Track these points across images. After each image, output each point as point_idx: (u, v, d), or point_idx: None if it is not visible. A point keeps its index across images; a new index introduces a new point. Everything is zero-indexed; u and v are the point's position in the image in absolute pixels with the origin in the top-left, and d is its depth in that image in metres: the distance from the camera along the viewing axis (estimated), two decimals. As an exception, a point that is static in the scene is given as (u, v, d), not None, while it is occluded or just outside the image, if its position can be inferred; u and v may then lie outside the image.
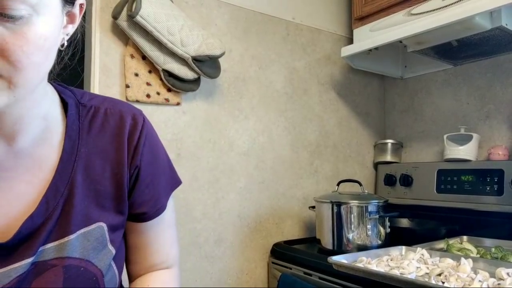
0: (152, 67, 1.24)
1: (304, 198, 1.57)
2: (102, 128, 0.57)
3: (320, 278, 1.15)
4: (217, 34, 1.37)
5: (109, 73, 1.19)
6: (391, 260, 1.00)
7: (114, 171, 0.57)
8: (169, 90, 1.26)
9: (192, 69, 1.24)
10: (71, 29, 0.51)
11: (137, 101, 1.22)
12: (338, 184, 1.41)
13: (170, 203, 0.66)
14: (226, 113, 1.40)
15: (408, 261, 0.95)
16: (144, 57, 1.22)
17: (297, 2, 1.62)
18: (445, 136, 1.52)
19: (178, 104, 1.29)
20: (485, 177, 1.38)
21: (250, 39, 1.47)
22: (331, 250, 1.28)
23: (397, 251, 1.09)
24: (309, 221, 1.57)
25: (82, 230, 0.53)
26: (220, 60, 1.30)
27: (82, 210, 0.53)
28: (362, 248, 1.23)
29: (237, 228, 1.39)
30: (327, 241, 1.30)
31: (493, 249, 1.09)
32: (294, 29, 1.60)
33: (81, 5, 0.52)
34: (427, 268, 0.92)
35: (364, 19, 1.53)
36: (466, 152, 1.45)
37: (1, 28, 0.40)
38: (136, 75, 1.21)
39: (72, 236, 0.51)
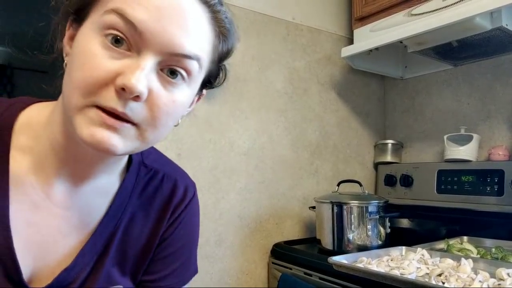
0: (152, 67, 1.23)
1: (304, 198, 1.57)
2: (154, 194, 0.57)
3: (320, 278, 1.15)
4: (217, 34, 1.37)
5: (109, 73, 1.19)
6: (392, 260, 1.00)
7: (148, 238, 0.56)
8: (169, 90, 1.26)
9: (192, 69, 1.24)
10: (190, 109, 0.53)
11: (137, 101, 1.22)
12: (338, 185, 1.41)
13: None
14: (226, 113, 1.40)
15: (408, 262, 0.95)
16: (144, 57, 1.22)
17: (297, 2, 1.62)
18: (445, 137, 1.52)
19: (178, 104, 1.29)
20: (485, 178, 1.37)
21: (250, 40, 1.47)
22: (331, 250, 1.28)
23: (397, 252, 1.09)
24: (309, 221, 1.57)
25: None
26: (220, 60, 1.30)
27: (108, 270, 0.52)
28: (362, 248, 1.23)
29: (237, 228, 1.39)
30: (327, 242, 1.30)
31: (493, 250, 1.09)
32: (294, 29, 1.60)
33: (201, 95, 0.55)
34: (427, 268, 0.92)
35: (364, 19, 1.53)
36: (466, 152, 1.45)
37: (161, 85, 0.43)
38: (136, 75, 1.21)
39: None
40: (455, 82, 1.63)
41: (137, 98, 0.41)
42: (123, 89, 0.40)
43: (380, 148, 1.80)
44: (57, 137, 0.48)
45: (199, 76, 0.47)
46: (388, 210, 1.32)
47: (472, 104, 1.57)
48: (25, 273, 0.46)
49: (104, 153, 0.43)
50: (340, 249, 1.26)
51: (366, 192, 1.34)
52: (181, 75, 0.44)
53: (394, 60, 1.76)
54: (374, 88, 1.87)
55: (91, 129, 0.41)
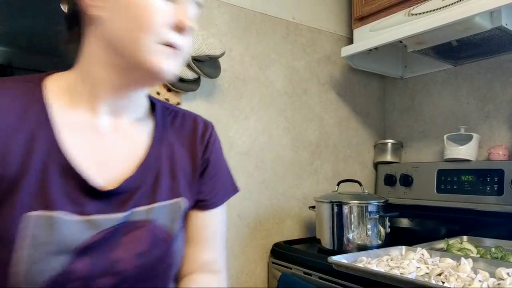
0: (152, 67, 1.23)
1: (304, 198, 1.57)
2: (181, 126, 0.69)
3: (320, 278, 1.15)
4: (217, 34, 1.37)
5: (109, 73, 1.19)
6: (391, 260, 1.00)
7: (191, 160, 0.67)
8: (169, 90, 1.26)
9: (192, 69, 1.24)
10: None
11: (137, 101, 1.22)
12: (338, 184, 1.41)
13: (224, 210, 0.72)
14: (226, 113, 1.40)
15: (408, 261, 0.95)
16: (144, 57, 1.22)
17: (297, 2, 1.62)
18: (445, 136, 1.52)
19: (178, 104, 1.29)
20: (485, 177, 1.38)
21: (250, 39, 1.47)
22: (331, 250, 1.28)
23: (397, 251, 1.09)
24: (309, 221, 1.57)
25: (166, 202, 0.61)
26: (220, 60, 1.30)
27: (167, 186, 0.62)
28: (362, 248, 1.23)
29: (237, 228, 1.39)
30: (327, 241, 1.30)
31: (493, 249, 1.09)
32: (294, 29, 1.60)
33: None
34: (427, 268, 0.92)
35: (364, 19, 1.53)
36: (466, 152, 1.45)
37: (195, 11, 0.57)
38: (136, 75, 1.21)
39: (157, 204, 0.59)
40: (455, 82, 1.63)
41: (186, 32, 0.56)
42: (179, 28, 0.55)
43: (380, 147, 1.80)
44: (95, 76, 0.58)
45: None
46: (388, 209, 1.32)
47: (472, 103, 1.57)
48: (93, 183, 0.55)
49: (166, 78, 0.56)
50: (340, 248, 1.26)
51: (366, 191, 1.34)
52: (202, 4, 0.60)
53: (394, 60, 1.76)
54: (374, 88, 1.87)
55: (164, 61, 0.54)
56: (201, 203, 0.68)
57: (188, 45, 0.57)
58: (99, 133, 0.59)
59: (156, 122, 0.66)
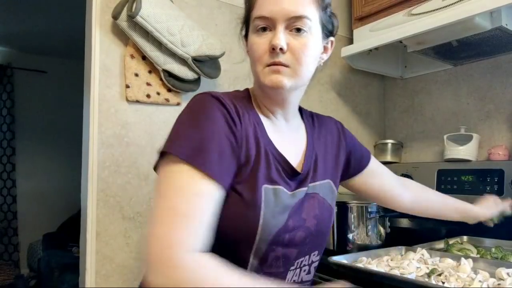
0: (152, 67, 1.24)
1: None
2: (320, 125, 0.89)
3: (320, 278, 1.15)
4: (217, 34, 1.37)
5: (109, 73, 1.19)
6: (391, 260, 1.00)
7: (334, 153, 0.88)
8: (169, 90, 1.27)
9: (192, 69, 1.24)
10: (325, 56, 0.80)
11: (137, 101, 1.22)
12: (338, 184, 1.41)
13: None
14: (226, 113, 1.39)
15: (408, 261, 0.95)
16: (144, 57, 1.22)
17: (297, 2, 1.62)
18: (445, 136, 1.52)
19: (178, 104, 1.29)
20: (485, 177, 1.37)
21: (250, 39, 1.47)
22: (331, 250, 1.28)
23: (397, 251, 1.09)
24: (309, 221, 1.57)
25: (322, 181, 0.82)
26: (220, 60, 1.30)
27: (322, 170, 0.82)
28: (362, 248, 1.23)
29: (237, 228, 1.39)
30: (327, 241, 1.29)
31: (493, 249, 1.10)
32: (294, 29, 1.60)
33: (331, 41, 0.80)
34: (427, 268, 0.92)
35: (364, 19, 1.53)
36: (466, 152, 1.45)
37: (292, 38, 0.70)
38: (136, 75, 1.21)
39: (318, 183, 0.80)
40: (455, 82, 1.63)
41: (281, 50, 0.69)
42: (273, 48, 0.69)
43: (380, 148, 1.80)
44: (256, 94, 0.80)
45: (314, 25, 0.73)
46: (388, 210, 1.31)
47: (472, 103, 1.57)
48: (295, 167, 0.76)
49: (279, 88, 0.71)
50: (340, 249, 1.26)
51: (366, 192, 1.34)
52: (302, 28, 0.70)
53: (394, 60, 1.76)
54: (374, 88, 1.87)
55: (270, 77, 0.71)
56: (361, 166, 0.94)
57: (289, 58, 0.71)
58: (282, 132, 0.79)
59: (305, 122, 0.87)
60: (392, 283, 0.85)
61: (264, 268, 0.72)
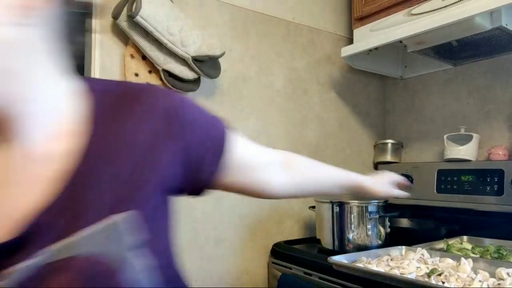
0: (152, 67, 1.24)
1: (304, 198, 1.57)
2: (120, 113, 0.52)
3: (320, 278, 1.15)
4: (217, 34, 1.37)
5: (109, 73, 1.19)
6: (391, 260, 1.00)
7: (147, 151, 0.51)
8: (169, 90, 1.26)
9: (192, 69, 1.24)
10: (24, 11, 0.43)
11: (137, 101, 1.22)
12: (338, 184, 1.41)
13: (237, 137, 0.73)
14: (226, 113, 1.39)
15: (408, 261, 0.95)
16: (144, 57, 1.22)
17: (297, 2, 1.62)
18: (445, 136, 1.52)
19: (178, 104, 1.29)
20: (485, 177, 1.37)
21: (250, 39, 1.47)
22: (331, 250, 1.28)
23: (397, 251, 1.09)
24: (309, 221, 1.57)
25: (101, 223, 0.46)
26: (220, 60, 1.30)
27: (110, 196, 0.47)
28: (362, 248, 1.23)
29: (237, 228, 1.39)
30: (327, 241, 1.30)
31: (493, 249, 1.09)
32: (294, 29, 1.60)
33: None
34: (427, 268, 0.92)
35: (364, 19, 1.53)
36: (466, 152, 1.45)
37: None
38: (136, 75, 1.21)
39: (86, 233, 0.44)
40: (455, 82, 1.63)
41: None
42: None
43: (380, 148, 1.80)
44: None
45: None
46: (388, 209, 1.32)
47: (471, 103, 1.57)
48: None
49: None
50: (340, 248, 1.26)
51: (366, 192, 1.34)
52: None
53: (394, 60, 1.76)
54: (374, 88, 1.87)
55: None
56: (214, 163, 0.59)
57: None
58: None
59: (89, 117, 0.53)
60: (392, 283, 0.85)
61: None
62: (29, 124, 0.47)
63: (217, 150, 0.59)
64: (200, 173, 0.57)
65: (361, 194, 0.89)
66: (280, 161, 0.75)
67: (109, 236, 0.45)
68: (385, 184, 0.91)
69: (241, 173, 0.65)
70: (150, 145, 0.50)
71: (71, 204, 0.46)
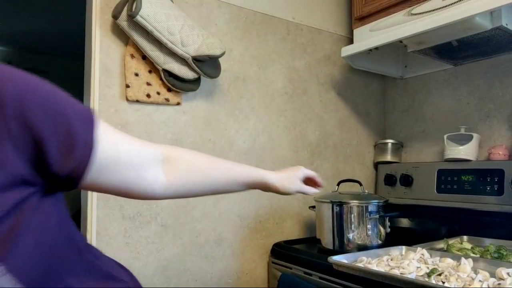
0: (152, 67, 1.24)
1: (304, 198, 1.57)
2: None
3: (320, 278, 1.15)
4: (217, 34, 1.37)
5: (109, 73, 1.19)
6: (391, 260, 1.00)
7: None
8: (169, 90, 1.26)
9: (192, 69, 1.24)
10: None
11: (137, 101, 1.22)
12: (338, 184, 1.41)
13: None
14: (226, 113, 1.40)
15: (408, 261, 0.95)
16: (144, 57, 1.22)
17: (297, 2, 1.62)
18: (445, 136, 1.52)
19: (178, 104, 1.29)
20: (485, 177, 1.37)
21: (250, 39, 1.47)
22: (331, 250, 1.28)
23: (397, 251, 1.09)
24: (309, 221, 1.57)
25: None
26: (220, 60, 1.30)
27: None
28: (362, 248, 1.23)
29: (237, 228, 1.39)
30: (327, 241, 1.30)
31: (493, 249, 1.09)
32: (294, 29, 1.60)
33: None
34: (427, 268, 0.92)
35: (364, 19, 1.53)
36: (466, 152, 1.45)
37: None
38: (136, 75, 1.21)
39: None
40: (455, 82, 1.63)
41: None
42: None
43: (380, 147, 1.80)
44: None
45: None
46: (388, 209, 1.32)
47: (472, 103, 1.57)
48: None
49: None
50: (340, 248, 1.26)
51: (366, 191, 1.34)
52: None
53: (394, 60, 1.76)
54: (374, 88, 1.87)
55: None
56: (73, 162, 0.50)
57: None
58: None
59: None
60: (392, 283, 0.85)
61: None
62: None
63: (67, 143, 0.49)
64: (50, 166, 0.48)
65: (266, 191, 0.84)
66: (161, 158, 0.65)
67: None
68: (292, 180, 0.86)
69: (109, 171, 0.57)
70: None
71: None
